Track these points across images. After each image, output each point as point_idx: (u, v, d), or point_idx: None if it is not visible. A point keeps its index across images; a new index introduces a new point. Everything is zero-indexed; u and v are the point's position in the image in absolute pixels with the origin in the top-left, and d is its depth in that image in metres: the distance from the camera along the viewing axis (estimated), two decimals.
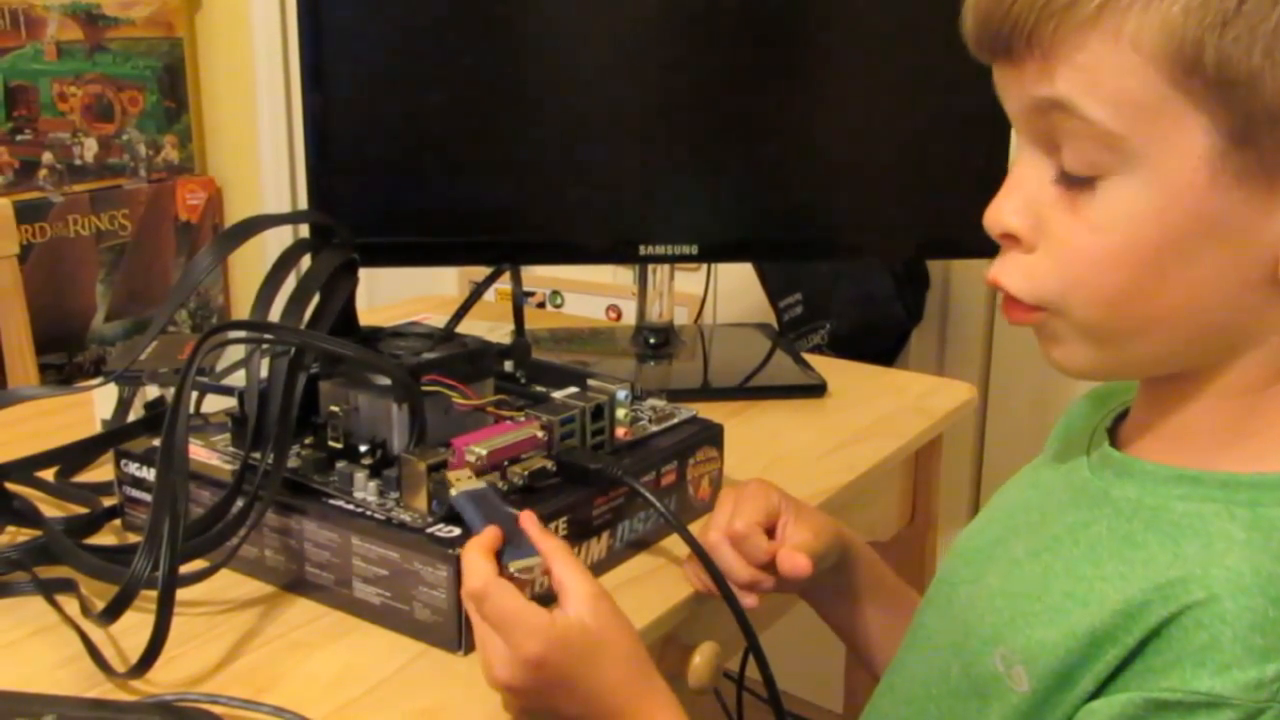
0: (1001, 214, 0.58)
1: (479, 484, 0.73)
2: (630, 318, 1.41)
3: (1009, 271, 0.59)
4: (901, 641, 0.75)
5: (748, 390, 1.19)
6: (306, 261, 0.86)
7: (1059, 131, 0.55)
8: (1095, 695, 0.55)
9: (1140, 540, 0.56)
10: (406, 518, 0.73)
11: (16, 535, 0.83)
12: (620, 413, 0.84)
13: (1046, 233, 0.57)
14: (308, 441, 0.82)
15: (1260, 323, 0.56)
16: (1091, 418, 0.68)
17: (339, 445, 0.80)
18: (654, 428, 0.88)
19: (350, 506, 0.75)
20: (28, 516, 0.82)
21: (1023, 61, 0.55)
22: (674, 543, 0.82)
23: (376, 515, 0.74)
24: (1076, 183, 0.55)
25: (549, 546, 0.67)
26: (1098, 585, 0.56)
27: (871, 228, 1.23)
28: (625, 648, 0.66)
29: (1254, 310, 0.55)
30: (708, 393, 1.19)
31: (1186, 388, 0.58)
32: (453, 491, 0.72)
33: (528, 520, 0.69)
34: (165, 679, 0.68)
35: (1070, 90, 0.54)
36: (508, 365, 0.91)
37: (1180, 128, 0.52)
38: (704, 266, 1.40)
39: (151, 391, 0.97)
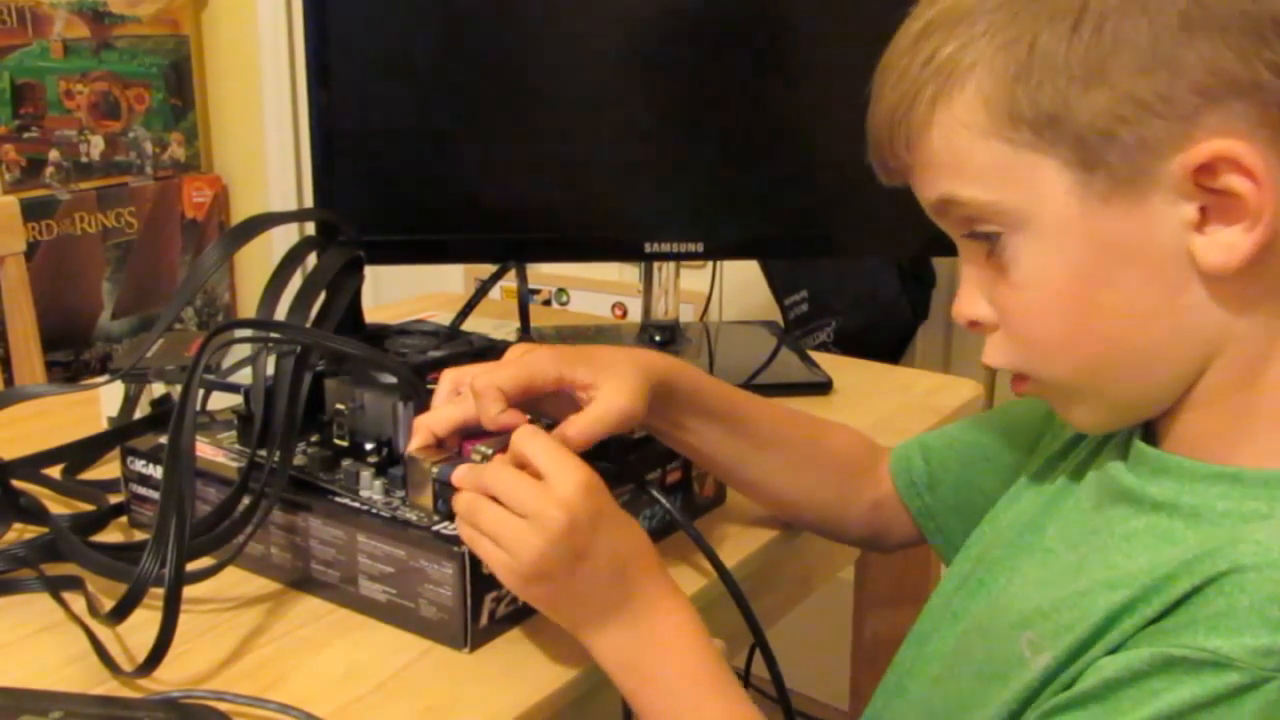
0: (962, 306, 0.64)
1: (446, 455, 0.73)
2: (636, 315, 1.41)
3: (989, 352, 0.64)
4: (929, 619, 0.75)
5: (753, 388, 1.19)
6: (312, 259, 0.87)
7: (960, 219, 0.61)
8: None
9: (1180, 537, 0.57)
10: (412, 516, 0.73)
11: (23, 532, 0.83)
12: None
13: (996, 307, 0.62)
14: (313, 439, 0.82)
15: (1216, 319, 0.57)
16: None
17: (345, 443, 0.80)
18: None
19: (356, 504, 0.75)
20: (34, 514, 0.82)
21: (905, 176, 0.63)
22: (680, 540, 0.82)
23: (382, 513, 0.74)
24: (992, 254, 0.60)
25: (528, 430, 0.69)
26: (1127, 572, 0.56)
27: (877, 225, 1.22)
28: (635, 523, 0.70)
29: (1201, 309, 0.57)
30: None
31: (1183, 397, 0.60)
32: (434, 469, 0.72)
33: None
34: (172, 676, 0.68)
35: (943, 186, 0.61)
36: None
37: (1037, 176, 0.57)
38: (709, 264, 1.40)
39: (157, 389, 0.97)
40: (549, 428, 0.72)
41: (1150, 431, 0.63)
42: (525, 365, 0.74)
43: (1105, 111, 0.54)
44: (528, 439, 0.67)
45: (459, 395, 0.74)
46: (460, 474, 0.69)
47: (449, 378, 0.75)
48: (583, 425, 0.71)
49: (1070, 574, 0.60)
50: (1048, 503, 0.69)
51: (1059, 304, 0.59)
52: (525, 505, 0.65)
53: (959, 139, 0.58)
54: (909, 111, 0.60)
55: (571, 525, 0.64)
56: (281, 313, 0.80)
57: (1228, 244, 0.55)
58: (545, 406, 0.75)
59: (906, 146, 0.61)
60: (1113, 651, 0.55)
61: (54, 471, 0.91)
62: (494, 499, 0.66)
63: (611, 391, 0.72)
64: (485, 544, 0.66)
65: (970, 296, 0.64)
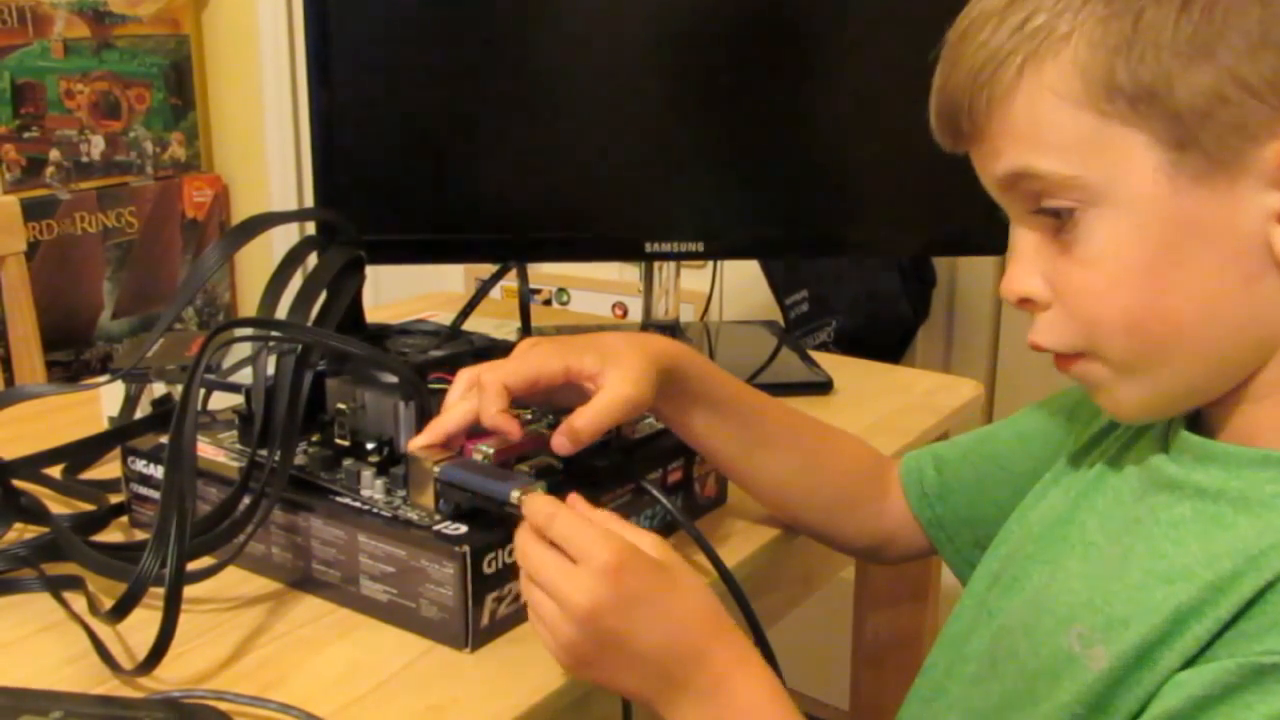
0: (1012, 283, 0.62)
1: (449, 454, 0.73)
2: (636, 315, 1.41)
3: (1040, 331, 0.62)
4: (961, 620, 0.74)
5: (754, 387, 1.19)
6: (313, 259, 0.86)
7: (1029, 194, 0.59)
8: (1182, 670, 0.55)
9: (1229, 521, 0.56)
10: (413, 515, 0.73)
11: (24, 532, 0.83)
12: None
13: (1054, 285, 0.61)
14: (314, 439, 0.82)
15: None
16: None
17: (346, 443, 0.80)
18: (660, 425, 0.87)
19: (357, 504, 0.75)
20: (35, 513, 0.82)
21: (976, 143, 0.61)
22: (681, 540, 0.82)
23: (383, 513, 0.74)
24: (1061, 231, 0.59)
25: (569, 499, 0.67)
26: (1180, 562, 0.56)
27: (877, 225, 1.23)
28: (698, 582, 0.65)
29: (1273, 300, 0.56)
30: None
31: (1241, 390, 0.59)
32: (435, 469, 0.72)
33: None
34: (172, 676, 0.68)
35: (1019, 157, 0.59)
36: None
37: (1125, 151, 0.56)
38: (710, 264, 1.40)
39: (158, 389, 0.97)
40: (560, 418, 0.72)
41: (1197, 424, 0.63)
42: (530, 360, 0.73)
43: (1207, 90, 0.54)
44: (551, 522, 0.64)
45: (471, 392, 0.74)
46: (523, 540, 0.66)
47: (464, 376, 0.75)
48: (590, 415, 0.71)
49: (1116, 565, 0.60)
50: (1079, 496, 0.69)
51: (1130, 282, 0.57)
52: (554, 590, 0.63)
53: (1045, 106, 0.57)
54: (995, 75, 0.58)
55: (595, 613, 0.61)
56: (282, 313, 0.80)
57: None
58: (557, 398, 0.75)
59: (986, 111, 0.59)
60: (1191, 660, 0.54)
61: (54, 471, 0.91)
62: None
63: (617, 380, 0.72)
64: (536, 621, 0.65)
65: (1023, 273, 0.62)
